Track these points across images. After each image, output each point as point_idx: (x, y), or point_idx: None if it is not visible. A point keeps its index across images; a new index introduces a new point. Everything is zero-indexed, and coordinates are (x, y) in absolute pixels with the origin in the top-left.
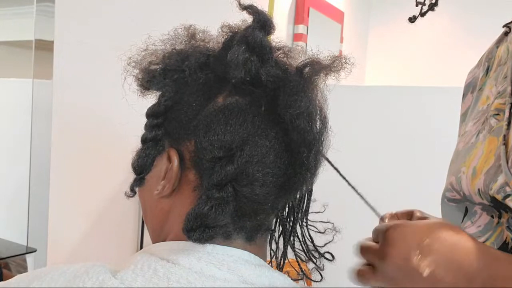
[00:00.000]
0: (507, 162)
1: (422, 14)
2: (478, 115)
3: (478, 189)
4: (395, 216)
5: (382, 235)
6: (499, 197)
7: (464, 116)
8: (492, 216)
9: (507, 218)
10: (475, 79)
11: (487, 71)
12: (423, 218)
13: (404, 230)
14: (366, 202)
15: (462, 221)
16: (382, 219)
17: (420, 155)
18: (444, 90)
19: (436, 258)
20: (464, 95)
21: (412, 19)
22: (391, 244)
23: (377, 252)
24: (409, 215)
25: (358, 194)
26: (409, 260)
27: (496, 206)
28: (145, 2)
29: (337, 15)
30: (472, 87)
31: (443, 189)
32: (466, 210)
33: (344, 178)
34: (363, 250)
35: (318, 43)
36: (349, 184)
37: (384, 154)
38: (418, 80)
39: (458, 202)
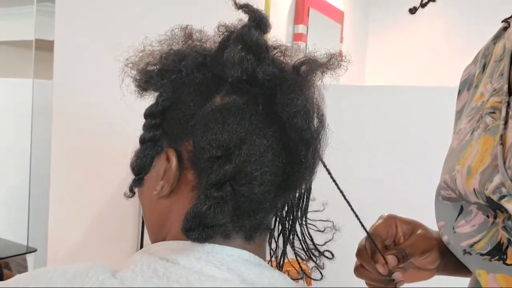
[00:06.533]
0: (504, 163)
1: (423, 5)
2: (472, 112)
3: (474, 189)
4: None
5: None
6: (494, 197)
7: (459, 114)
8: (488, 216)
9: (502, 219)
10: (471, 76)
11: (484, 68)
12: (424, 236)
13: None
14: (353, 210)
15: (456, 219)
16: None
17: (420, 155)
18: (444, 90)
19: None
20: (459, 92)
21: (412, 10)
22: None
23: None
24: (411, 227)
25: (347, 201)
26: None
27: (492, 206)
28: (145, 2)
29: (337, 15)
30: (468, 84)
31: (437, 186)
32: (461, 209)
33: (335, 182)
34: None
35: (318, 43)
36: (339, 188)
37: (384, 154)
38: (417, 80)
39: (454, 201)
